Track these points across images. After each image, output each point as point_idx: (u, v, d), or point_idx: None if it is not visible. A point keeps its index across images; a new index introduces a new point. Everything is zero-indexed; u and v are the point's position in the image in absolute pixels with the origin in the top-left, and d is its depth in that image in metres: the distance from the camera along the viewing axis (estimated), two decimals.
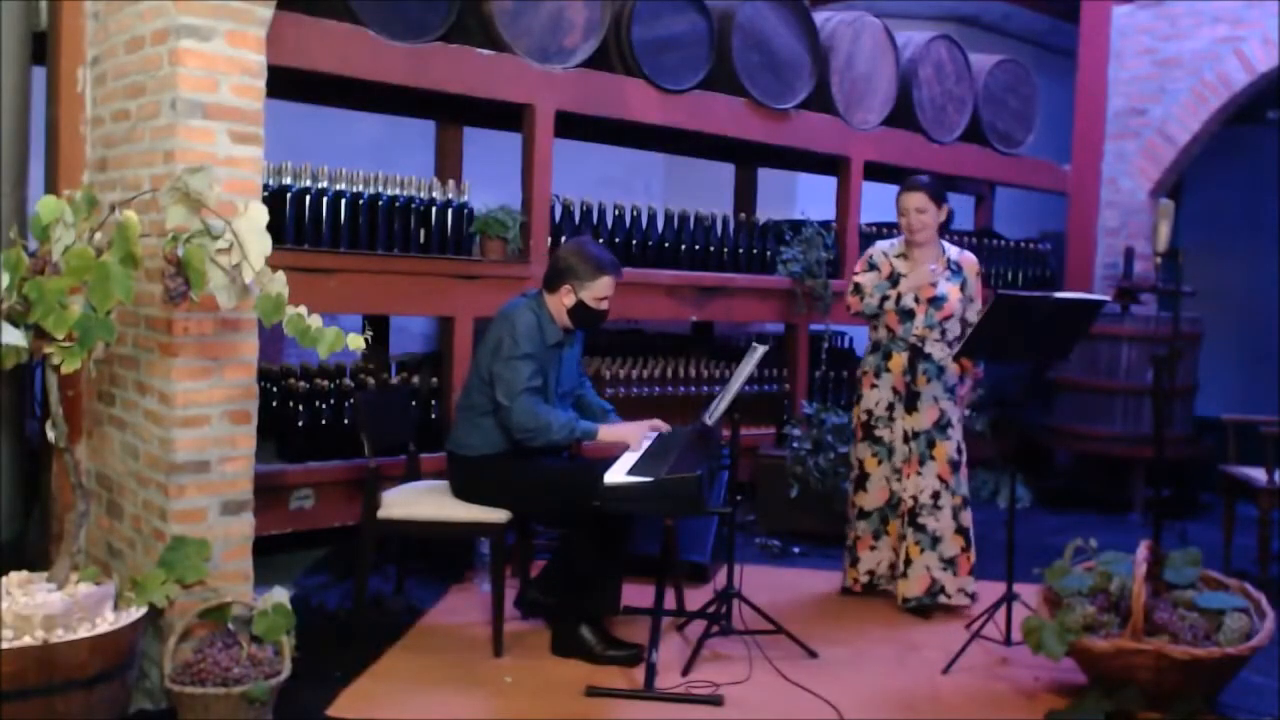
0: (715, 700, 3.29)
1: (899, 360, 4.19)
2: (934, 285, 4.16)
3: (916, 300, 4.16)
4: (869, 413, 4.26)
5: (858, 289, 4.25)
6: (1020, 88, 6.90)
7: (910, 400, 4.17)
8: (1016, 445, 4.49)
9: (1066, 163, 7.38)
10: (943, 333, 4.17)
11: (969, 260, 4.30)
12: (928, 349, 4.16)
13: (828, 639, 3.83)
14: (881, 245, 4.33)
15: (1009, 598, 3.82)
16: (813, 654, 3.68)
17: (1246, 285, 8.51)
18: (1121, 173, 7.20)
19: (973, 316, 4.20)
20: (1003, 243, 7.11)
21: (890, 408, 4.22)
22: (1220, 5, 6.71)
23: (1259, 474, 4.81)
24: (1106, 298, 4.16)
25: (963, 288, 4.22)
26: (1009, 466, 4.15)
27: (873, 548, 4.32)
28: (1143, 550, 3.32)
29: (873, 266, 4.27)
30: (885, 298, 4.18)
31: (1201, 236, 8.28)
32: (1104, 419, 6.35)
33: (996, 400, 6.29)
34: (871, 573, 4.33)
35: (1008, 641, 3.80)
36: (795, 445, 5.23)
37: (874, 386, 4.25)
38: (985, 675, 3.60)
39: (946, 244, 4.30)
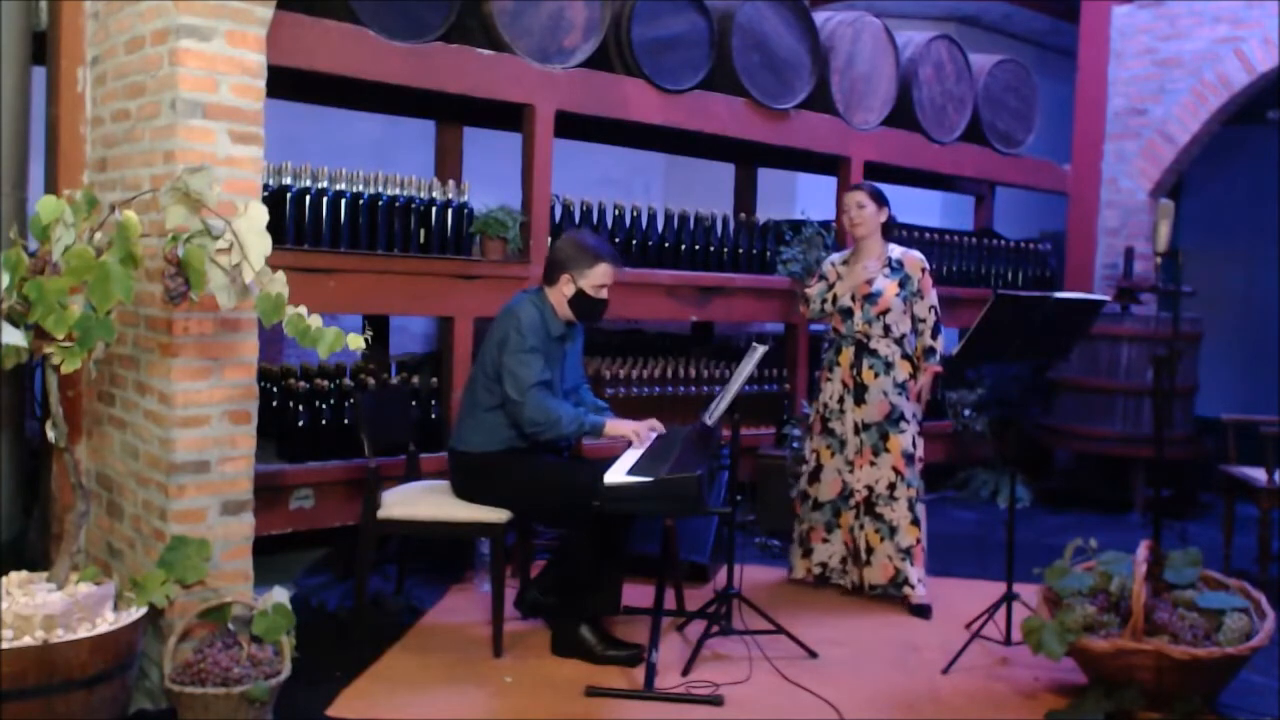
0: (715, 700, 3.28)
1: (846, 354, 4.37)
2: (869, 283, 4.33)
3: (853, 298, 4.35)
4: (824, 405, 4.43)
5: (805, 299, 4.54)
6: (1020, 88, 6.90)
7: (859, 393, 4.33)
8: (1016, 445, 4.49)
9: (1066, 163, 7.38)
10: (886, 329, 4.32)
11: (912, 258, 4.41)
12: (873, 345, 4.33)
13: (828, 639, 3.83)
14: (834, 256, 4.58)
15: (1009, 598, 3.83)
16: (813, 654, 3.68)
17: (1246, 285, 8.52)
18: (1121, 173, 7.20)
19: (922, 312, 4.38)
20: (1003, 243, 7.10)
21: (841, 400, 4.38)
22: (1220, 5, 6.71)
23: (1259, 474, 4.81)
24: (1106, 298, 4.17)
25: (903, 284, 4.34)
26: (1009, 466, 4.15)
27: (825, 540, 4.43)
28: (1143, 550, 3.32)
29: (821, 277, 4.53)
30: (825, 300, 4.43)
31: (1201, 236, 8.29)
32: (1104, 419, 6.35)
33: (996, 400, 6.29)
34: (824, 564, 4.44)
35: (1008, 641, 3.80)
36: (795, 445, 5.24)
37: (828, 380, 4.43)
38: (985, 675, 3.60)
39: (893, 245, 4.46)
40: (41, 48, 3.56)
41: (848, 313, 4.36)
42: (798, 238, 5.71)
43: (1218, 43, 6.75)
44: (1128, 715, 3.14)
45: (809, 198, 7.15)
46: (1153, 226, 4.89)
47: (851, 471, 4.34)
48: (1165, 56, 6.99)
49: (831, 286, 4.42)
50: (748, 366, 3.72)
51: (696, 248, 5.46)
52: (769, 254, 5.75)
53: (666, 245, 5.36)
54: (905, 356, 4.33)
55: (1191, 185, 8.49)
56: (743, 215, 5.98)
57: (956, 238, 6.70)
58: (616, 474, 3.32)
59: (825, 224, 5.86)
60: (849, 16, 5.88)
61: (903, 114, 6.16)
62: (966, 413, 6.20)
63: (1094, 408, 6.39)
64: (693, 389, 5.49)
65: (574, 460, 3.95)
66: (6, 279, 2.64)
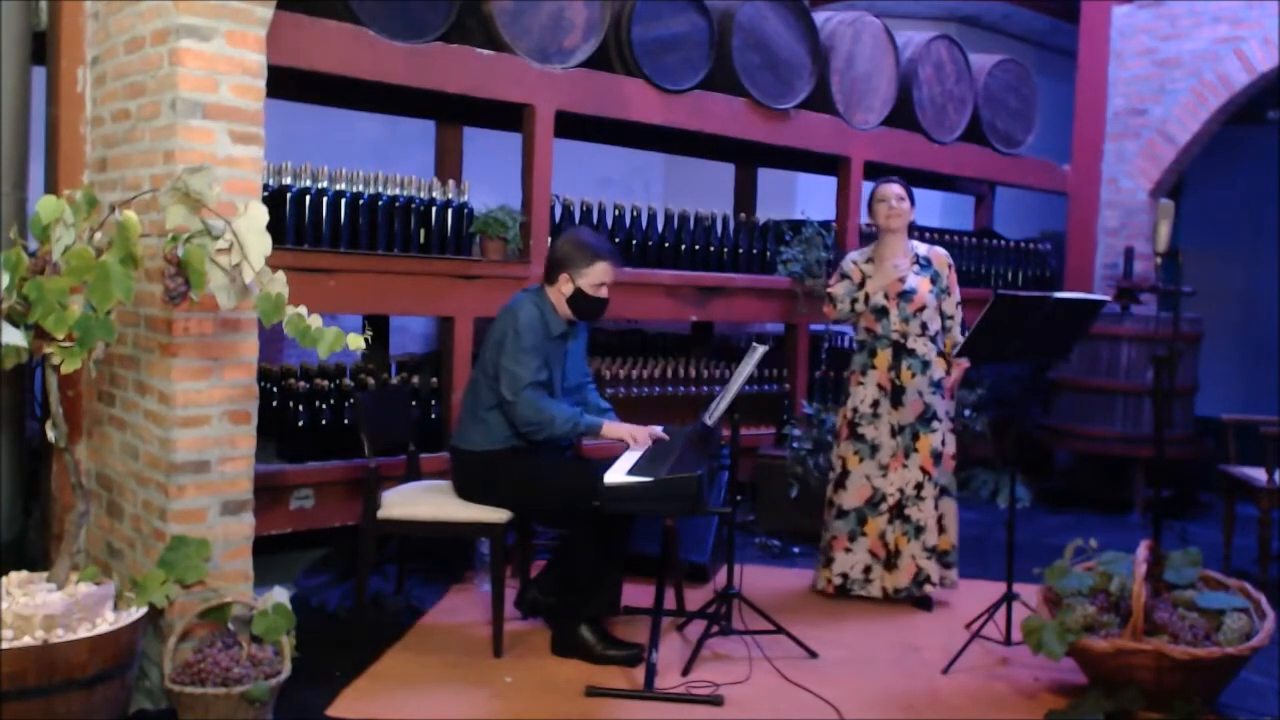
0: (715, 700, 3.28)
1: (884, 357, 4.27)
2: (901, 280, 4.26)
3: (886, 297, 4.26)
4: (854, 410, 4.32)
5: (831, 299, 4.39)
6: (1020, 88, 6.90)
7: (896, 395, 4.25)
8: (1016, 445, 4.48)
9: (1066, 163, 7.38)
10: (923, 327, 4.25)
11: (938, 254, 4.38)
12: (910, 344, 4.24)
13: (828, 639, 3.83)
14: (852, 254, 4.45)
15: (1009, 598, 3.83)
16: (813, 654, 3.68)
17: (1246, 285, 8.52)
18: (1121, 173, 7.20)
19: (950, 309, 4.33)
20: (1003, 243, 7.10)
21: (875, 404, 4.28)
22: (1220, 5, 6.71)
23: (1259, 474, 4.81)
24: (1106, 297, 4.17)
25: (934, 280, 4.30)
26: (1009, 466, 4.15)
27: (848, 549, 4.30)
28: (1143, 550, 3.32)
29: (844, 276, 4.39)
30: (855, 300, 4.31)
31: (1201, 236, 8.29)
32: (1104, 419, 6.35)
33: (996, 400, 6.29)
34: (845, 575, 4.30)
35: (1008, 641, 3.80)
36: (795, 445, 5.24)
37: (860, 384, 4.32)
38: (985, 675, 3.60)
39: (915, 242, 4.40)
40: (41, 48, 3.56)
41: (882, 312, 4.25)
42: (798, 238, 5.71)
43: (1218, 43, 6.76)
44: (1128, 715, 3.14)
45: (809, 198, 7.16)
46: (1153, 226, 4.89)
47: (884, 476, 4.25)
48: (1165, 56, 6.99)
49: (862, 285, 4.30)
50: (748, 366, 3.72)
51: (696, 248, 5.46)
52: (769, 254, 5.75)
53: (666, 245, 5.36)
54: (939, 354, 4.27)
55: (1191, 185, 8.49)
56: (743, 215, 5.98)
57: (956, 238, 6.70)
58: (616, 474, 3.32)
59: (825, 224, 5.87)
60: (849, 16, 5.88)
61: (903, 114, 6.16)
62: (966, 413, 6.20)
63: (1094, 408, 6.39)
64: (693, 389, 5.50)
65: (575, 460, 3.95)
66: (6, 279, 2.64)
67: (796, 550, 5.10)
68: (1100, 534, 3.89)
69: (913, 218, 4.32)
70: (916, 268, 4.29)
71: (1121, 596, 3.38)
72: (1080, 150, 7.35)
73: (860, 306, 4.30)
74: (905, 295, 4.24)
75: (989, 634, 3.81)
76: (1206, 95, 6.82)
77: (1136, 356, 6.25)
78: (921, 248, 4.36)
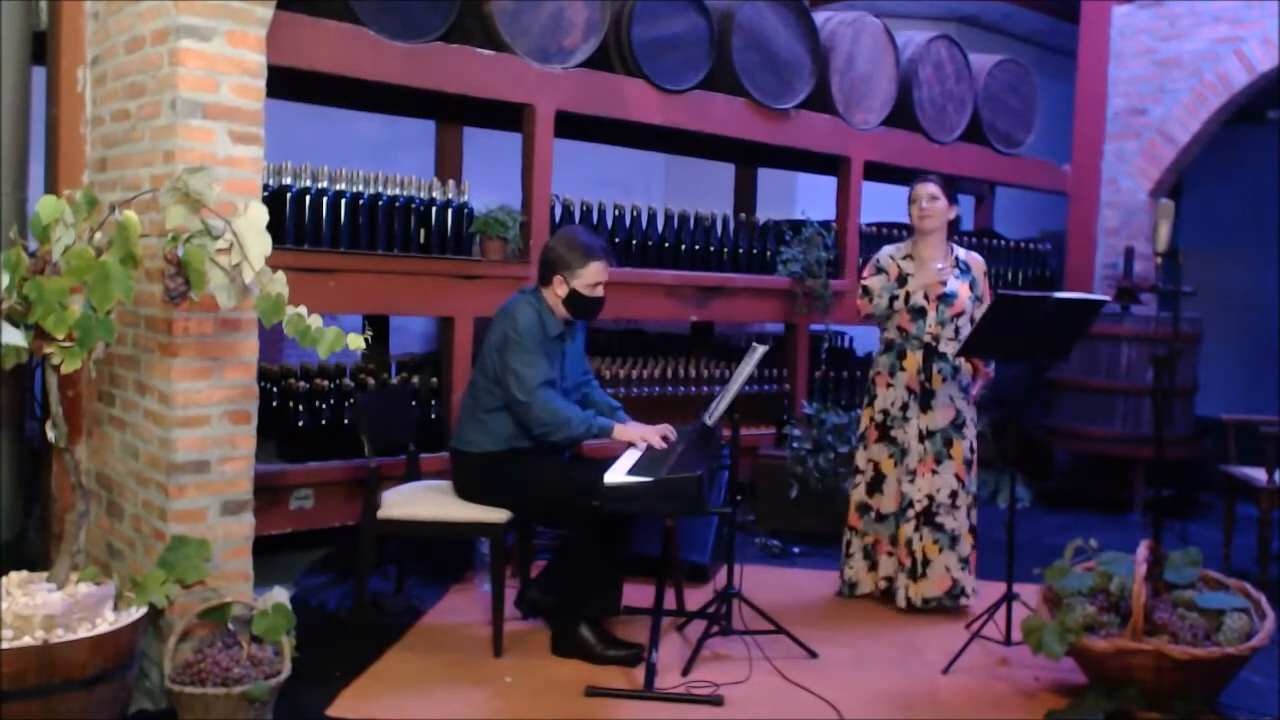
0: (715, 700, 3.28)
1: (914, 359, 4.18)
2: (943, 283, 4.16)
3: (926, 298, 4.16)
4: (884, 413, 4.24)
5: (866, 292, 4.25)
6: (1020, 88, 6.90)
7: (925, 399, 4.17)
8: (1016, 445, 4.47)
9: (1066, 163, 7.38)
10: (956, 331, 4.18)
11: (976, 260, 4.32)
12: (942, 348, 4.17)
13: (828, 639, 3.83)
14: (887, 249, 4.33)
15: (1009, 598, 3.83)
16: (813, 654, 3.68)
17: (1246, 285, 8.52)
18: (1121, 173, 7.20)
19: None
20: (1003, 243, 7.11)
21: (905, 407, 4.20)
22: (1220, 5, 6.71)
23: (1259, 474, 4.81)
24: (1106, 297, 4.16)
25: (971, 286, 4.23)
26: (1009, 466, 4.15)
27: (890, 553, 4.26)
28: (1143, 550, 3.32)
29: (880, 270, 4.26)
30: (894, 297, 4.18)
31: (1201, 236, 8.29)
32: (1104, 419, 6.35)
33: (996, 400, 6.29)
34: (889, 579, 4.26)
35: (1008, 641, 3.80)
36: (795, 445, 5.23)
37: (889, 386, 4.24)
38: (985, 675, 3.60)
39: (954, 245, 4.32)
40: (41, 48, 3.56)
41: (920, 312, 4.15)
42: (798, 238, 5.71)
43: (1218, 43, 6.76)
44: (1128, 715, 3.14)
45: (809, 198, 7.15)
46: (1153, 226, 4.89)
47: (912, 481, 4.17)
48: (1165, 56, 6.99)
49: (903, 283, 4.18)
50: (748, 366, 3.72)
51: (696, 248, 5.46)
52: (769, 254, 5.75)
53: (666, 245, 5.37)
54: (956, 356, 4.18)
55: (1191, 185, 8.49)
56: (743, 215, 5.98)
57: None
58: (617, 474, 3.32)
59: (825, 224, 5.87)
60: (849, 16, 5.88)
61: (903, 114, 6.16)
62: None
63: (1094, 408, 6.39)
64: (693, 389, 5.50)
65: (574, 460, 3.95)
66: (6, 279, 2.64)
67: (796, 550, 5.10)
68: (1100, 534, 3.89)
69: (952, 217, 4.21)
70: (957, 271, 4.21)
71: (1121, 596, 3.38)
72: (1080, 150, 7.35)
73: (899, 305, 4.18)
74: (946, 298, 4.15)
75: (989, 634, 3.81)
76: (1206, 95, 6.82)
77: (1136, 356, 6.26)
78: (961, 251, 4.28)
